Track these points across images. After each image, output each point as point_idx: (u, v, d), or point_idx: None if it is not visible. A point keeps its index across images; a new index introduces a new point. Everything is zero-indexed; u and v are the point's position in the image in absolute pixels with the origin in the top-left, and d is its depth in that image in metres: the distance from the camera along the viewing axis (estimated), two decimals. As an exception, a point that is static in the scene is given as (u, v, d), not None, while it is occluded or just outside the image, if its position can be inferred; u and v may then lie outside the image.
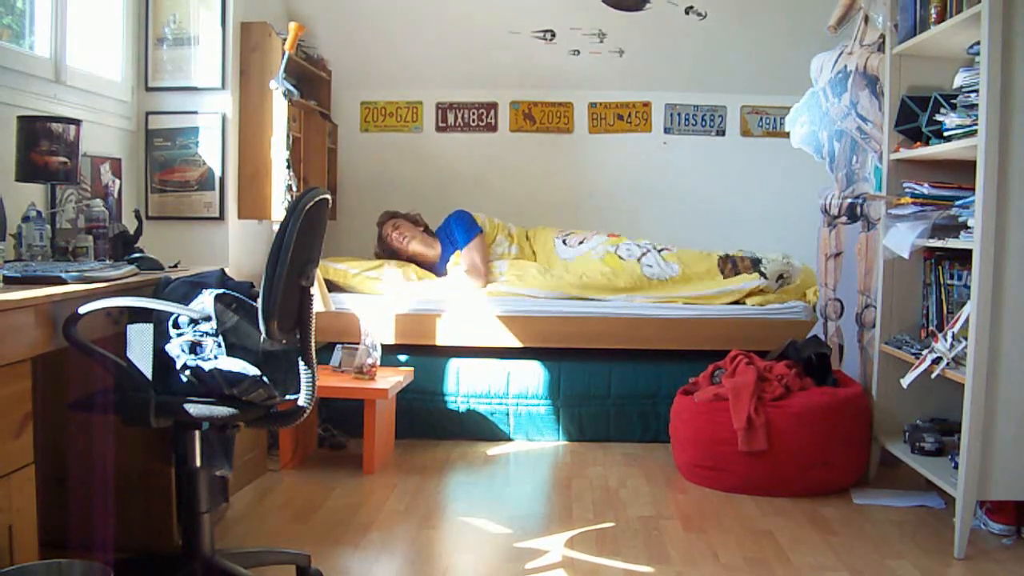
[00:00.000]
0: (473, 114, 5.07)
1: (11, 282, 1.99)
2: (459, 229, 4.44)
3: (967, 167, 2.77)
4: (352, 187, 5.06)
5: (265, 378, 2.13)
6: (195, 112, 3.56)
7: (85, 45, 3.22)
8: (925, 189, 3.07)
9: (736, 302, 4.11)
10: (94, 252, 2.69)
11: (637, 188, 5.02)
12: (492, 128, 5.08)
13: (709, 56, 4.79)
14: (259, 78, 3.65)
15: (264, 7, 4.02)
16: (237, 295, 2.22)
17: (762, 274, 4.10)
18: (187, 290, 2.24)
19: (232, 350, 2.12)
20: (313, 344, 2.29)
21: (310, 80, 4.65)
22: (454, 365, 4.03)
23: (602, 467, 3.65)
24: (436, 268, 4.44)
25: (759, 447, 3.22)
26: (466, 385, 4.00)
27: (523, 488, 3.46)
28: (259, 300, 2.11)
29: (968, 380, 2.67)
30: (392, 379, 3.66)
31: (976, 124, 2.66)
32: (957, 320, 2.83)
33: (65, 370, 2.30)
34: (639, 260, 4.20)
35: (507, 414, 4.01)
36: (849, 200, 3.75)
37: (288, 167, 3.66)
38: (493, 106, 5.07)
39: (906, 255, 3.13)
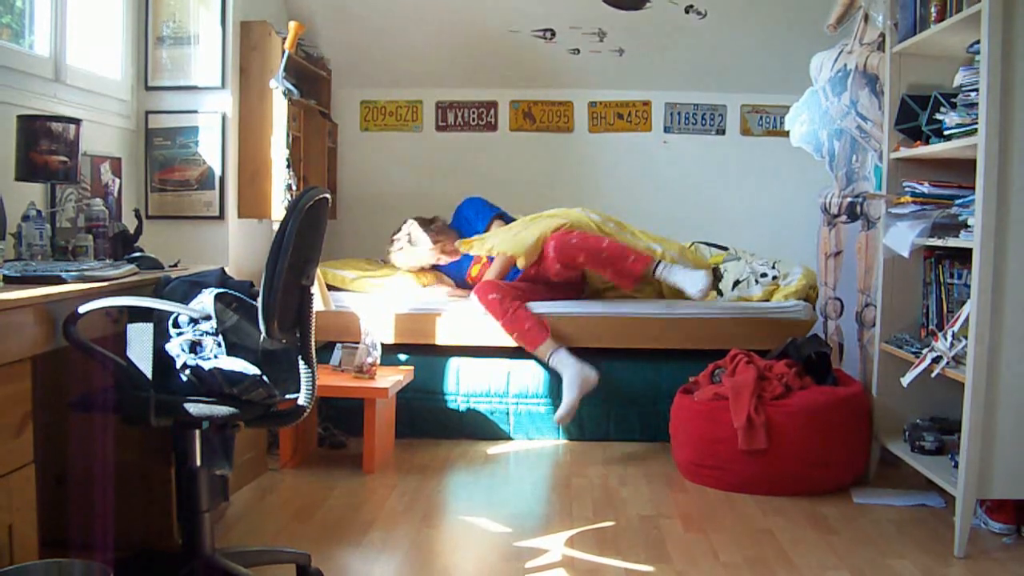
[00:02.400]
0: (473, 114, 5.07)
1: (11, 281, 1.99)
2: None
3: (967, 166, 2.77)
4: (352, 187, 5.06)
5: (265, 377, 2.13)
6: (195, 111, 3.56)
7: (85, 44, 3.22)
8: (925, 188, 3.07)
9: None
10: (94, 251, 2.69)
11: (637, 187, 5.02)
12: (492, 128, 5.08)
13: (709, 55, 4.79)
14: (259, 77, 3.65)
15: (264, 6, 4.02)
16: (237, 294, 2.22)
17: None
18: (187, 289, 2.24)
19: (232, 349, 2.12)
20: (313, 343, 2.29)
21: (310, 79, 4.65)
22: (454, 364, 4.03)
23: (602, 466, 3.65)
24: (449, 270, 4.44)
25: (759, 446, 3.21)
26: (466, 384, 4.00)
27: (523, 487, 3.46)
28: (259, 299, 2.10)
29: (968, 379, 2.67)
30: (392, 378, 3.66)
31: (976, 123, 2.66)
32: (957, 319, 2.83)
33: (65, 370, 2.29)
34: None
35: (507, 413, 4.01)
36: (849, 199, 3.75)
37: (288, 166, 3.66)
38: (493, 105, 5.07)
39: (906, 254, 3.13)
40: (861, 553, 2.71)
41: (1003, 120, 2.58)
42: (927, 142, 3.08)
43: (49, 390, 2.16)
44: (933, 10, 2.98)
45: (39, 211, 2.52)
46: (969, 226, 2.77)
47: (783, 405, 3.27)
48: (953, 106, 2.85)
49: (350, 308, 4.07)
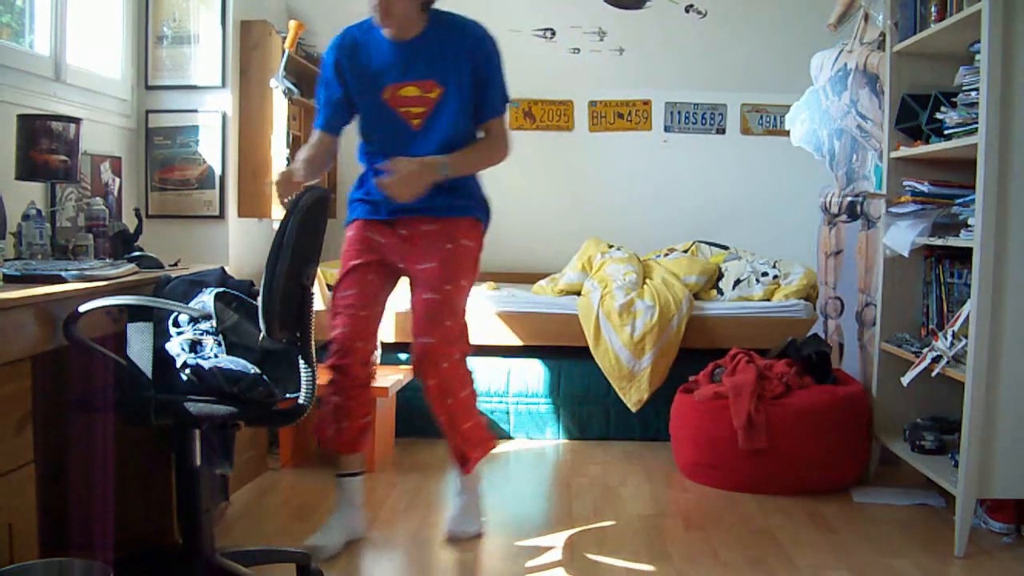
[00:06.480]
0: (473, 113, 5.06)
1: (11, 280, 1.99)
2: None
3: (967, 165, 2.77)
4: (352, 186, 5.04)
5: (265, 377, 2.13)
6: (195, 110, 3.56)
7: (85, 43, 3.21)
8: (925, 187, 3.07)
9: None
10: (94, 250, 2.69)
11: (637, 186, 5.02)
12: (492, 127, 5.07)
13: (709, 54, 4.79)
14: (259, 76, 3.64)
15: (264, 5, 4.02)
16: (237, 293, 2.22)
17: None
18: (187, 288, 2.23)
19: (232, 348, 2.12)
20: (313, 342, 2.28)
21: (310, 78, 4.64)
22: (454, 364, 4.02)
23: (602, 465, 3.65)
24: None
25: (759, 445, 3.21)
26: (466, 384, 4.00)
27: (523, 487, 3.46)
28: (259, 298, 2.10)
29: (968, 378, 2.67)
30: (392, 377, 3.66)
31: (976, 122, 2.66)
32: (957, 318, 2.83)
33: (65, 369, 2.29)
34: None
35: (507, 412, 4.00)
36: (849, 198, 3.75)
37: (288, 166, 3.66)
38: (493, 105, 5.06)
39: (906, 253, 3.13)
40: (861, 553, 2.71)
41: (1003, 119, 2.58)
42: (927, 141, 3.08)
43: (49, 390, 2.16)
44: (933, 9, 2.98)
45: (39, 210, 2.51)
46: (969, 225, 2.77)
47: (783, 404, 3.27)
48: (953, 105, 2.85)
49: (350, 307, 4.06)
